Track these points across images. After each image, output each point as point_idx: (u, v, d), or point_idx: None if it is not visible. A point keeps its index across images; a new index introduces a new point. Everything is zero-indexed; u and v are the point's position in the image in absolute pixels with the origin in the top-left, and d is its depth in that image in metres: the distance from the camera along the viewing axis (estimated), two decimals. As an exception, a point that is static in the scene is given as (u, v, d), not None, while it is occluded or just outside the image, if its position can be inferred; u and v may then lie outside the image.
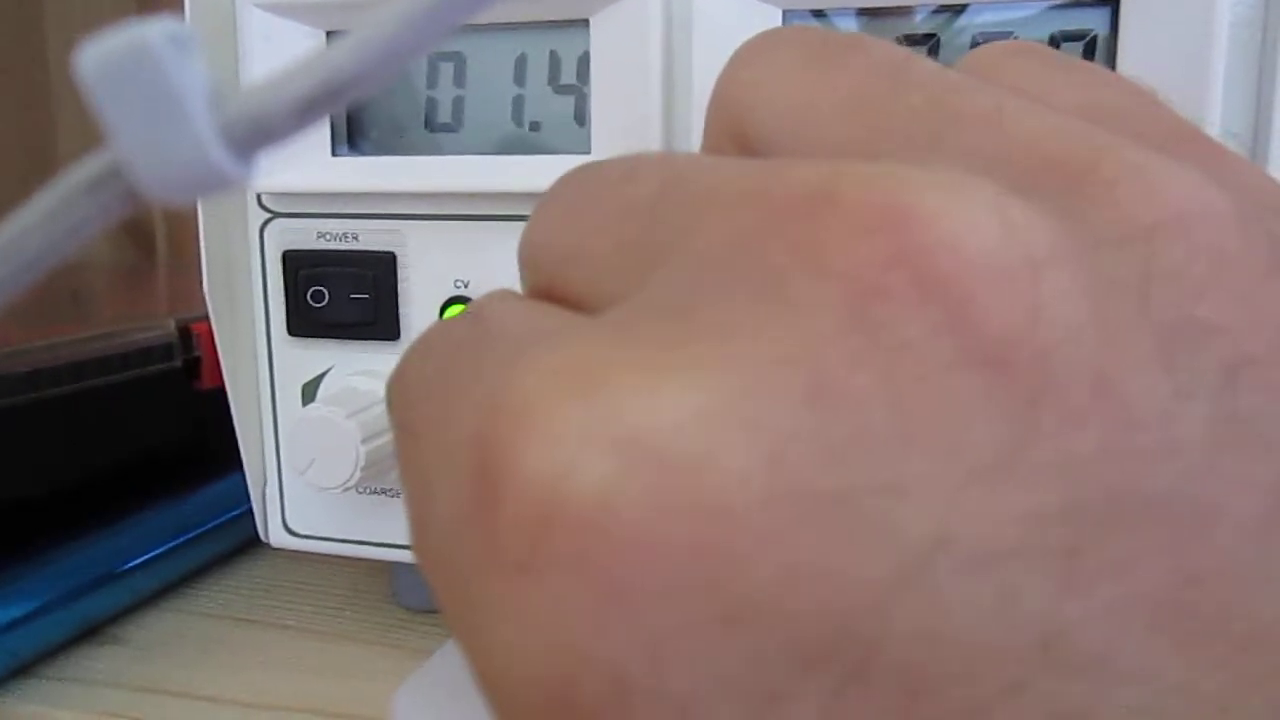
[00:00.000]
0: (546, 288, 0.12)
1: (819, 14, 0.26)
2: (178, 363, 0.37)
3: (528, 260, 0.13)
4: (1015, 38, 0.25)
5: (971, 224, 0.08)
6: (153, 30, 0.09)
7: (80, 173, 0.10)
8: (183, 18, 0.29)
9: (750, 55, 0.13)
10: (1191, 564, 0.08)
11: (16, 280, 0.11)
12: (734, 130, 0.12)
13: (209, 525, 0.37)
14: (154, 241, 0.61)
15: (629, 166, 0.12)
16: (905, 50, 0.12)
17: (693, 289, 0.09)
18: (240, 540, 0.38)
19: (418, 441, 0.11)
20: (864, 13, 0.26)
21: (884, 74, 0.11)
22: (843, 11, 0.26)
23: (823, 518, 0.08)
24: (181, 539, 0.36)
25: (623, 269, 0.11)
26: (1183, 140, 0.11)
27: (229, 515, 0.37)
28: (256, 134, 0.10)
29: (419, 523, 0.11)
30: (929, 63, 0.12)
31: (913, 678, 0.08)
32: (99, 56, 0.09)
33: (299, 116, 0.10)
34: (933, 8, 0.25)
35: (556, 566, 0.08)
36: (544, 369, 0.09)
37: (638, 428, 0.08)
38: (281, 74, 0.10)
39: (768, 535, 0.08)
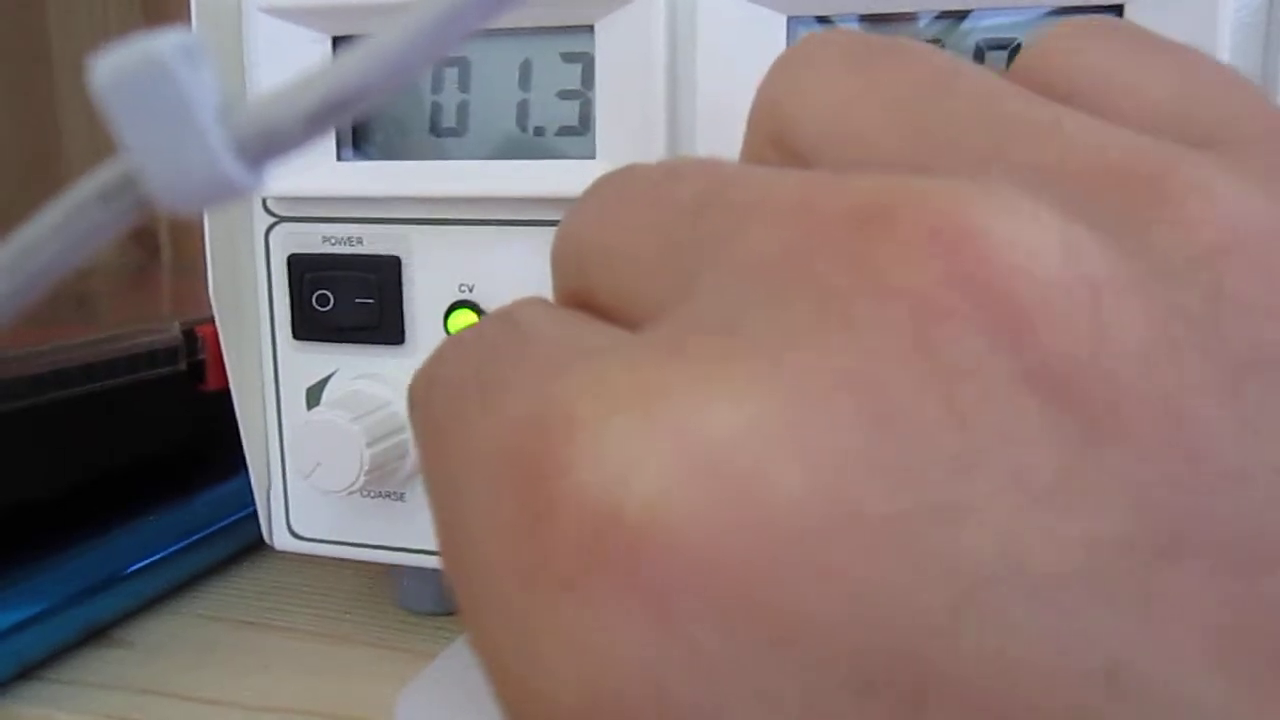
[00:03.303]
0: (581, 290, 0.12)
1: (824, 20, 0.26)
2: (182, 365, 0.37)
3: (562, 259, 0.13)
4: (1019, 43, 0.25)
5: (1033, 245, 0.08)
6: (164, 42, 0.10)
7: (93, 182, 0.10)
8: (189, 23, 0.29)
9: (793, 60, 0.12)
10: (1257, 596, 0.08)
11: (29, 287, 0.11)
12: (776, 136, 0.12)
13: (213, 528, 0.37)
14: (159, 244, 0.62)
15: (670, 168, 0.11)
16: (952, 55, 0.12)
17: (743, 301, 0.09)
18: (244, 543, 0.38)
19: (446, 444, 0.11)
20: (867, 19, 0.26)
21: (933, 80, 0.11)
22: (847, 17, 0.26)
23: (882, 541, 0.08)
24: (185, 542, 0.36)
25: (664, 273, 0.10)
26: (1275, 139, 0.10)
27: (233, 518, 0.37)
28: (267, 145, 0.10)
29: (447, 528, 0.11)
30: (978, 69, 0.11)
31: (973, 705, 0.08)
32: (112, 68, 0.09)
33: (308, 127, 0.10)
34: (936, 13, 0.25)
35: (607, 583, 0.08)
36: (595, 382, 0.09)
37: (695, 444, 0.08)
38: (291, 85, 0.10)
39: (826, 557, 0.08)
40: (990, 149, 0.10)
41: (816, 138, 0.11)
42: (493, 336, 0.12)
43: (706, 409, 0.08)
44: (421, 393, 0.12)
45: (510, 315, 0.12)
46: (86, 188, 0.10)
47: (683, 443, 0.08)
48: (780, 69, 0.13)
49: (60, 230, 0.10)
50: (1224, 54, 0.23)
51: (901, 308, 0.08)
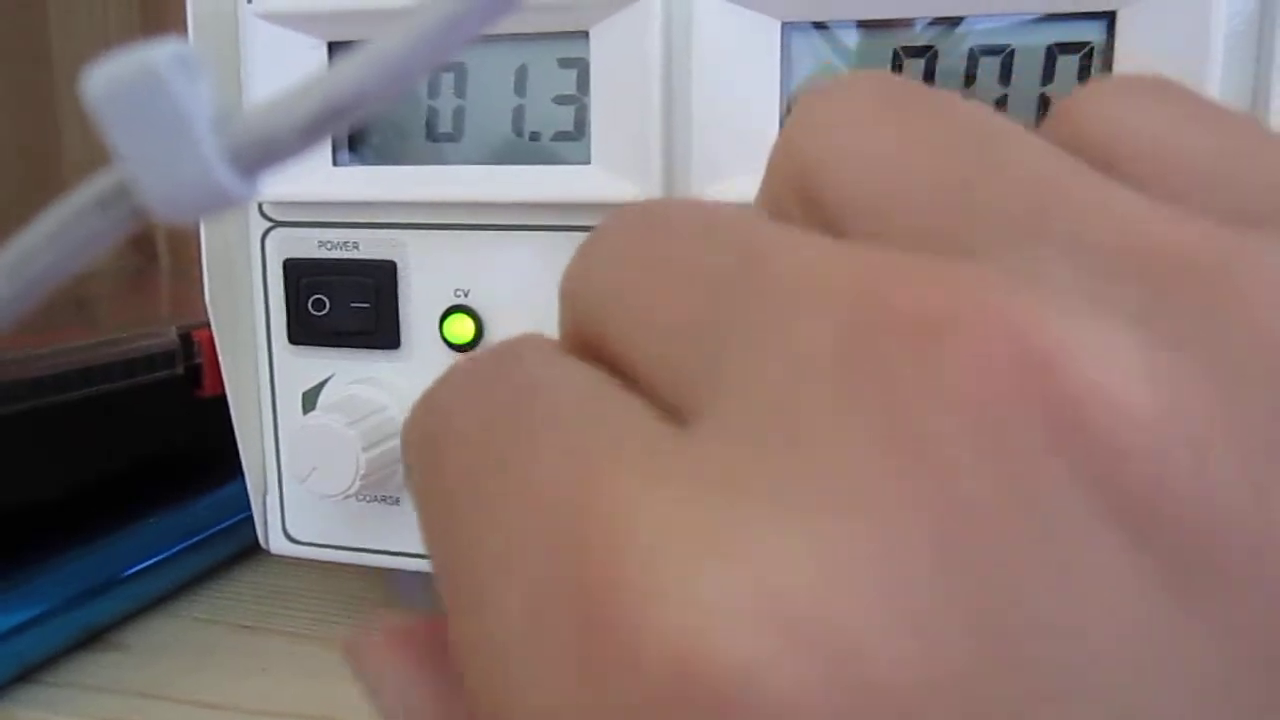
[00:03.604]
0: (593, 336, 0.11)
1: (820, 26, 0.26)
2: (179, 370, 0.37)
3: (574, 298, 0.12)
4: (1011, 49, 0.25)
5: (1118, 379, 0.08)
6: (159, 53, 0.10)
7: (88, 191, 0.10)
8: (186, 29, 0.29)
9: (823, 103, 0.11)
10: None
11: (25, 296, 0.11)
12: (800, 184, 0.11)
13: (210, 532, 0.37)
14: (156, 248, 0.62)
15: (702, 223, 0.11)
16: (995, 113, 0.11)
17: (800, 404, 0.08)
18: (241, 547, 0.38)
19: (460, 522, 0.10)
20: (864, 25, 0.26)
21: (977, 140, 0.10)
22: (843, 23, 0.26)
23: (979, 703, 0.07)
24: (183, 545, 0.36)
25: (694, 347, 0.10)
26: None
27: (230, 522, 0.37)
28: (261, 154, 0.10)
29: (465, 621, 0.10)
30: (1021, 131, 0.10)
31: None
32: (106, 79, 0.10)
33: (304, 136, 0.10)
34: (930, 19, 0.25)
35: None
36: (657, 503, 0.08)
37: (781, 596, 0.07)
38: (286, 94, 0.10)
39: None
40: (1038, 224, 0.09)
41: (848, 194, 0.11)
42: (505, 391, 0.11)
43: (790, 556, 0.08)
44: (421, 443, 0.11)
45: (522, 365, 0.11)
46: (82, 196, 0.10)
47: (770, 597, 0.08)
48: (808, 111, 0.12)
49: (56, 238, 0.10)
50: (1216, 62, 0.23)
51: (982, 439, 0.08)
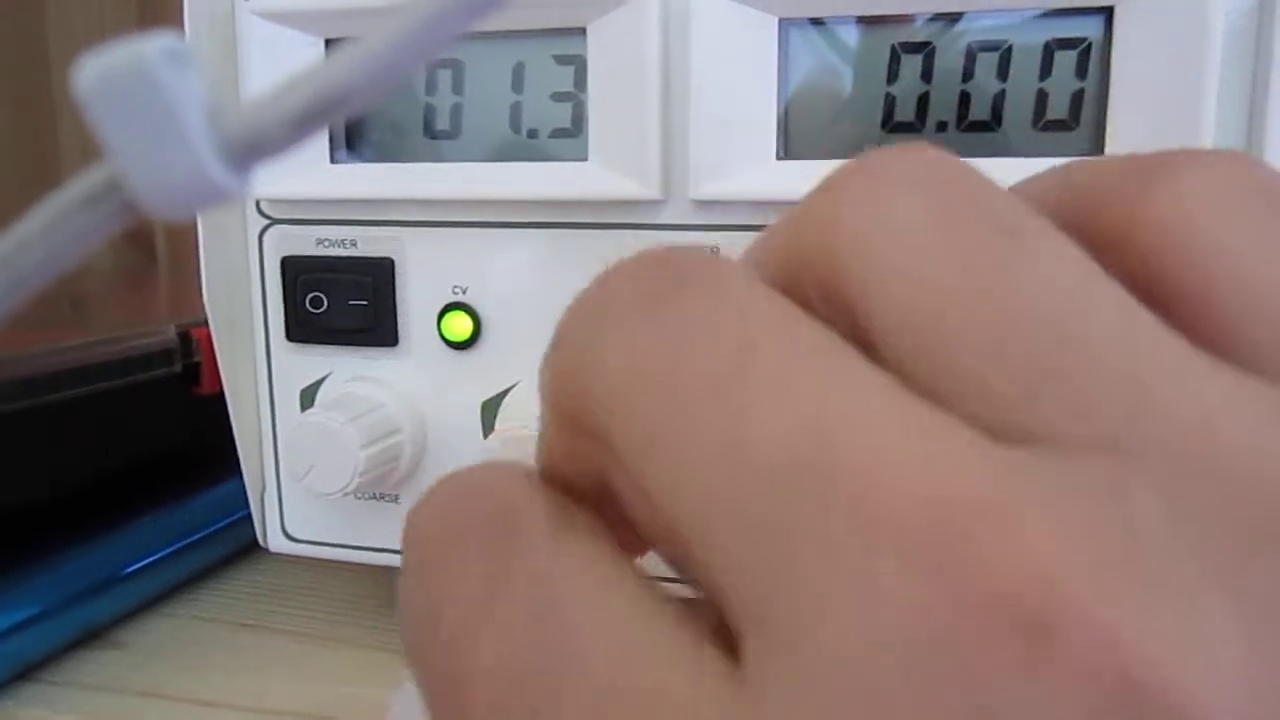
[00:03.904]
0: (593, 464, 0.10)
1: (817, 22, 0.26)
2: (178, 368, 0.37)
3: (569, 396, 0.10)
4: (1009, 45, 0.25)
5: (1219, 701, 0.07)
6: (150, 46, 0.10)
7: (78, 186, 0.10)
8: (183, 24, 0.29)
9: (867, 192, 0.10)
10: None
11: (15, 293, 0.11)
12: (829, 278, 0.10)
13: (209, 530, 0.37)
14: (154, 246, 0.62)
15: (735, 338, 0.09)
16: (1067, 244, 0.09)
17: (880, 668, 0.08)
18: (240, 545, 0.38)
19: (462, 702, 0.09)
20: (862, 21, 0.26)
21: (1053, 296, 0.09)
22: (841, 19, 0.26)
23: None
24: (181, 544, 0.36)
25: (754, 554, 0.08)
26: None
27: (228, 520, 0.37)
28: (253, 148, 0.10)
29: None
30: (1105, 285, 0.09)
31: None
32: (96, 73, 0.09)
33: (296, 130, 0.10)
34: (929, 15, 0.25)
35: None
36: None
37: None
38: (278, 88, 0.10)
39: None
40: (1124, 421, 0.08)
41: (893, 320, 0.09)
42: (523, 608, 0.09)
43: None
44: (438, 675, 0.10)
45: (530, 559, 0.10)
46: (72, 192, 0.10)
47: None
48: (848, 197, 0.10)
49: (46, 235, 0.10)
50: (1213, 58, 0.23)
51: None
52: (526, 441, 0.26)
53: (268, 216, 0.30)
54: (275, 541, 0.33)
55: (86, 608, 0.32)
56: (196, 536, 0.36)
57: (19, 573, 0.31)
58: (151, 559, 0.35)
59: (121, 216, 0.10)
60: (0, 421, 0.32)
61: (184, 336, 0.38)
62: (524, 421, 0.27)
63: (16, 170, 0.56)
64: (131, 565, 0.34)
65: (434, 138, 0.29)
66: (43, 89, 0.58)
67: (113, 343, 0.36)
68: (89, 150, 0.10)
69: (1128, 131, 0.24)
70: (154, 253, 0.62)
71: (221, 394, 0.32)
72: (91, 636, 0.33)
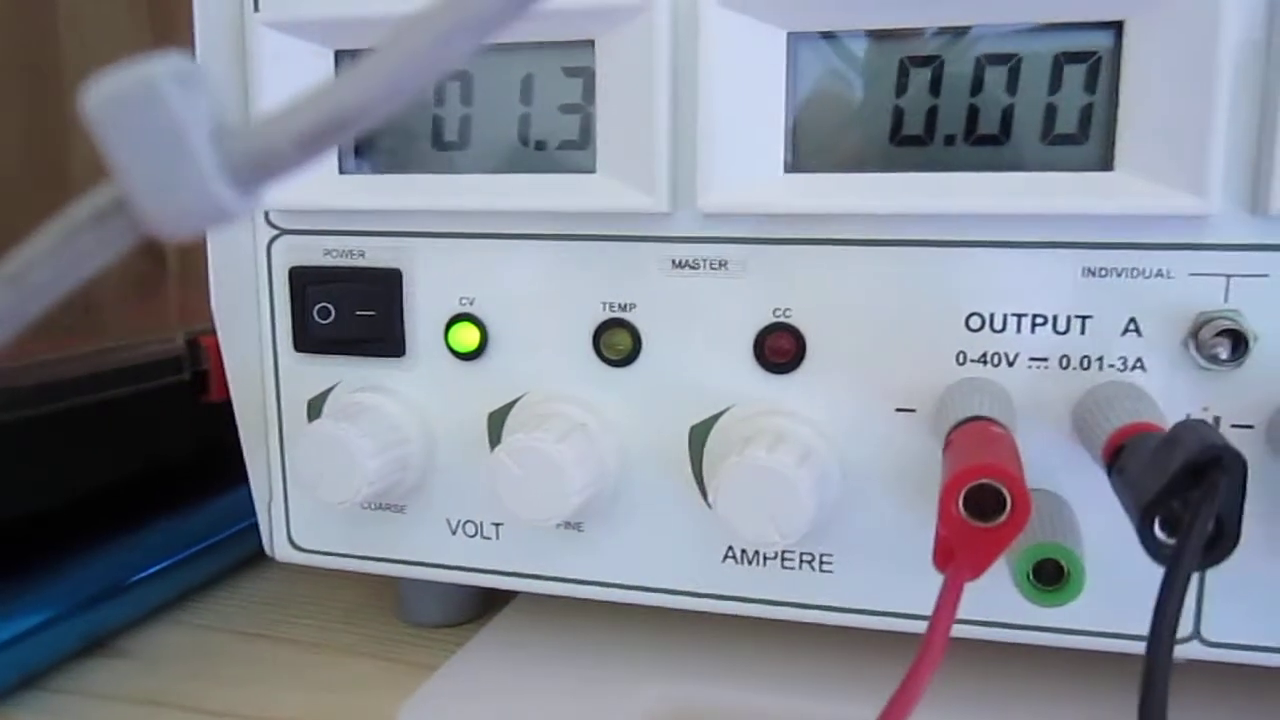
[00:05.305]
0: None
1: (825, 35, 0.26)
2: (186, 376, 0.37)
3: None
4: (1019, 58, 0.25)
5: None
6: (158, 68, 0.10)
7: (86, 206, 0.10)
8: (193, 34, 0.29)
9: None
10: None
11: (24, 309, 0.11)
12: None
13: (217, 538, 0.37)
14: (165, 255, 0.62)
15: None
16: None
17: None
18: (247, 554, 0.38)
19: None
20: (870, 34, 0.26)
21: None
22: (849, 33, 0.26)
23: None
24: (188, 552, 0.36)
25: None
26: None
27: (236, 529, 0.37)
28: (260, 168, 0.10)
29: None
30: None
31: None
32: (106, 94, 0.09)
33: (303, 150, 0.10)
34: (938, 28, 0.25)
35: None
36: None
37: None
38: (285, 108, 0.10)
39: None
40: None
41: None
42: None
43: None
44: None
45: None
46: (81, 211, 0.10)
47: None
48: None
49: (55, 253, 0.10)
50: (1225, 72, 0.23)
51: None
52: (533, 454, 0.26)
53: (276, 226, 0.30)
54: (282, 551, 0.33)
55: (92, 615, 0.32)
56: (204, 545, 0.37)
57: (25, 580, 0.31)
58: (158, 567, 0.35)
59: (129, 236, 0.10)
60: (9, 428, 0.32)
61: (192, 344, 0.38)
62: (530, 433, 0.27)
63: (27, 182, 0.56)
64: (138, 573, 0.34)
65: (443, 149, 0.29)
66: (55, 101, 0.58)
67: (121, 350, 0.36)
68: (101, 164, 0.10)
69: (1137, 146, 0.24)
70: (164, 261, 0.62)
71: (229, 402, 0.32)
72: (97, 644, 0.33)
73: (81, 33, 0.59)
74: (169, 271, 0.61)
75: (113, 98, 0.09)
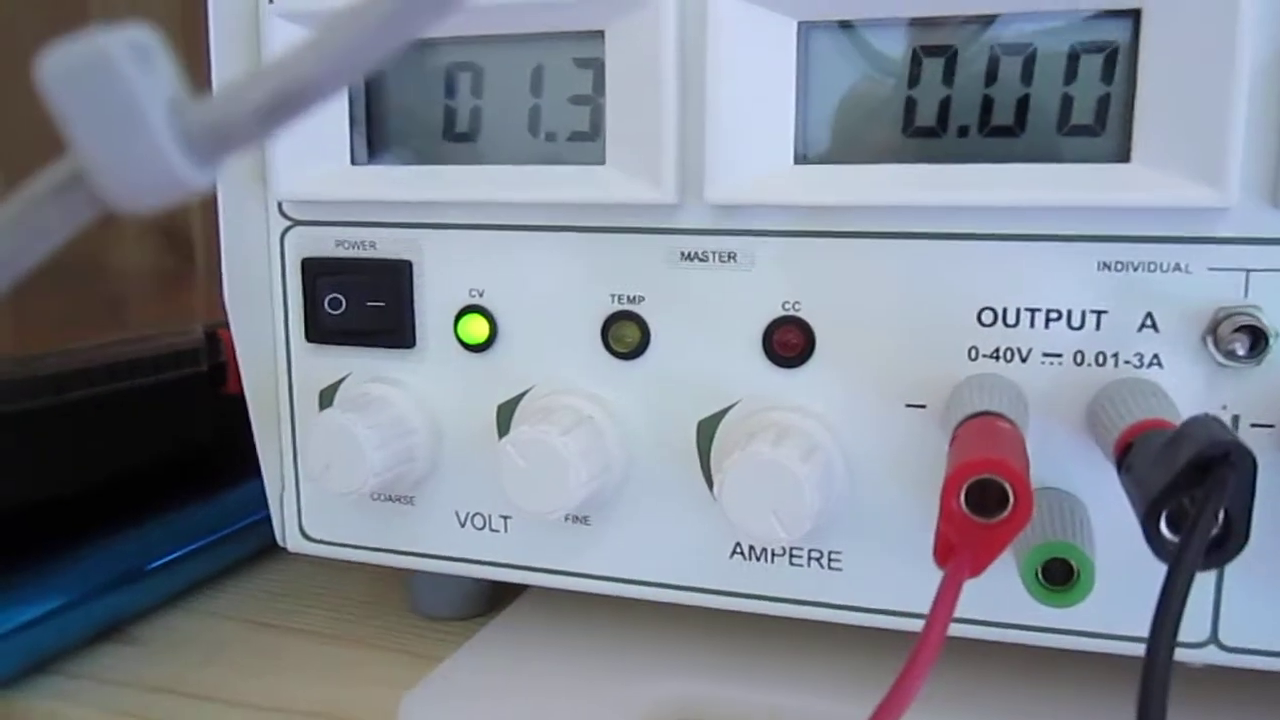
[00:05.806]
0: None
1: (836, 25, 0.26)
2: (204, 367, 0.38)
3: None
4: (1034, 49, 0.24)
5: None
6: (114, 39, 0.10)
7: (44, 181, 0.10)
8: (207, 24, 0.29)
9: None
10: None
11: (-11, 284, 0.11)
12: None
13: (233, 528, 0.37)
14: (193, 248, 0.62)
15: None
16: None
17: None
18: (262, 544, 0.38)
19: None
20: (881, 23, 0.25)
21: None
22: (860, 22, 0.25)
23: None
24: (204, 541, 0.36)
25: None
26: None
27: (251, 519, 0.37)
28: (217, 141, 0.10)
29: None
30: None
31: None
32: (59, 64, 0.09)
33: (260, 123, 0.10)
34: (952, 18, 0.25)
35: None
36: None
37: None
38: (241, 81, 0.10)
39: None
40: None
41: None
42: None
43: None
44: None
45: None
46: (37, 186, 0.10)
47: None
48: None
49: (12, 228, 0.10)
50: (1243, 62, 0.22)
51: None
52: (538, 446, 0.26)
53: (289, 218, 0.31)
54: (293, 541, 0.33)
55: (107, 602, 0.33)
56: (219, 535, 0.37)
57: (41, 566, 0.31)
58: (174, 555, 0.35)
59: (89, 208, 0.10)
60: (28, 417, 0.32)
61: (211, 336, 0.38)
62: (535, 425, 0.27)
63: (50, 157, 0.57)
64: (154, 561, 0.34)
65: (453, 140, 0.29)
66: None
67: (141, 341, 0.36)
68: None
69: (1155, 137, 0.24)
70: (192, 255, 0.62)
71: (244, 393, 0.32)
72: (110, 631, 0.33)
73: (112, 8, 0.59)
74: (196, 266, 0.62)
75: (67, 69, 0.09)
